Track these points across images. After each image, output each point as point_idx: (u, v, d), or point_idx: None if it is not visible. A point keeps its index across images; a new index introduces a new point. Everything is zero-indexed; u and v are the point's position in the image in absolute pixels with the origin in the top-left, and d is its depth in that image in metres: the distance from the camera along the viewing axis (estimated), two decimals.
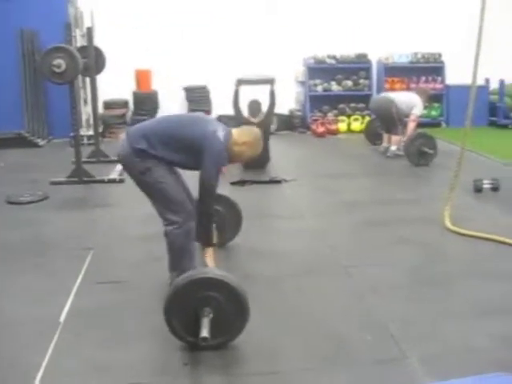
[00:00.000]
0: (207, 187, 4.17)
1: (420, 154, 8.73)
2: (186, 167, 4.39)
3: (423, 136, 8.90)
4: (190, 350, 3.62)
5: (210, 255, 4.29)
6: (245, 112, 8.69)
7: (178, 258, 4.31)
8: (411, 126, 9.29)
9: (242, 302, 3.59)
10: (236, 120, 8.22)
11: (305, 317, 4.09)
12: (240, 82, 8.47)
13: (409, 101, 9.30)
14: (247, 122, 7.88)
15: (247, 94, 8.68)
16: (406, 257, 5.25)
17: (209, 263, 4.25)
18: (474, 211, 6.56)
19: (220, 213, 5.14)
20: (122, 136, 4.38)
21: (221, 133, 4.20)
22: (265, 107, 8.70)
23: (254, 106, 8.62)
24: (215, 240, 4.54)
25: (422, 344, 3.72)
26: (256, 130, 4.54)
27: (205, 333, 3.39)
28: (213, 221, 4.41)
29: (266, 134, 8.27)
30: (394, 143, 9.42)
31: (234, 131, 4.37)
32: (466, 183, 6.90)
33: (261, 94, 8.75)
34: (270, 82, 8.50)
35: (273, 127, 9.36)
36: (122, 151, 4.27)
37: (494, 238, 5.49)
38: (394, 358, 3.57)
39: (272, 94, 8.48)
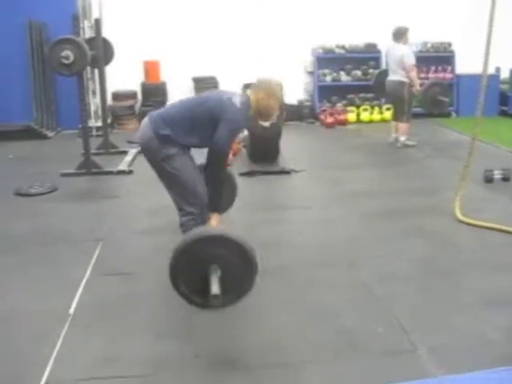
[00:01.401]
0: (219, 154, 4.14)
1: (435, 102, 8.61)
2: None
3: (437, 84, 8.75)
4: (200, 341, 3.62)
5: (215, 220, 4.25)
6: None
7: None
8: (412, 75, 9.05)
9: (247, 254, 3.45)
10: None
11: (314, 308, 4.07)
12: (246, 88, 8.37)
13: (401, 59, 9.04)
14: (258, 126, 7.87)
15: None
16: (415, 248, 5.22)
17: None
18: (484, 202, 6.51)
19: None
20: (144, 121, 4.30)
21: (237, 99, 4.18)
22: None
23: None
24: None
25: (433, 335, 3.71)
26: (266, 79, 4.43)
27: (215, 289, 3.26)
28: (223, 187, 4.34)
29: (278, 136, 8.24)
30: (402, 133, 9.34)
31: (250, 92, 4.35)
32: (476, 173, 6.85)
33: None
34: None
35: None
36: (144, 136, 4.23)
37: (505, 229, 5.46)
38: (404, 350, 3.56)
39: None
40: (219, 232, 3.57)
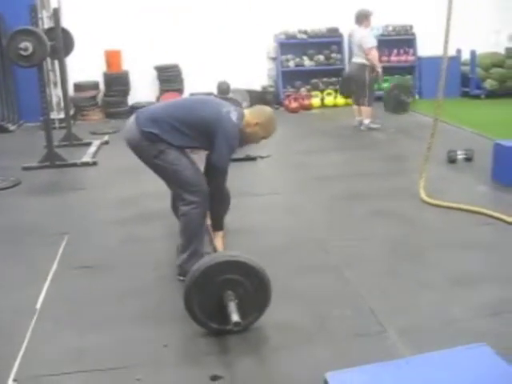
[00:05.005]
0: (220, 170, 4.15)
1: (398, 103, 8.74)
2: (198, 148, 4.35)
3: (398, 86, 8.90)
4: (172, 332, 3.61)
5: (219, 239, 4.31)
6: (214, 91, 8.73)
7: (191, 238, 4.24)
8: (371, 58, 9.11)
9: (262, 279, 3.58)
10: None
11: (282, 293, 4.07)
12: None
13: (360, 43, 9.16)
14: None
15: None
16: (381, 230, 5.27)
17: (218, 246, 4.26)
18: (448, 182, 6.60)
19: None
20: (130, 119, 4.23)
21: (234, 114, 4.14)
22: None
23: (223, 86, 8.61)
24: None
25: (401, 316, 3.75)
26: (268, 110, 4.45)
27: (236, 317, 3.31)
28: (226, 202, 4.43)
29: None
30: (365, 116, 9.42)
31: (247, 112, 4.31)
32: (440, 154, 6.95)
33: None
34: None
35: (245, 104, 9.33)
36: (132, 135, 4.15)
37: (469, 209, 5.54)
38: (373, 332, 3.59)
39: None
40: (238, 258, 3.58)
